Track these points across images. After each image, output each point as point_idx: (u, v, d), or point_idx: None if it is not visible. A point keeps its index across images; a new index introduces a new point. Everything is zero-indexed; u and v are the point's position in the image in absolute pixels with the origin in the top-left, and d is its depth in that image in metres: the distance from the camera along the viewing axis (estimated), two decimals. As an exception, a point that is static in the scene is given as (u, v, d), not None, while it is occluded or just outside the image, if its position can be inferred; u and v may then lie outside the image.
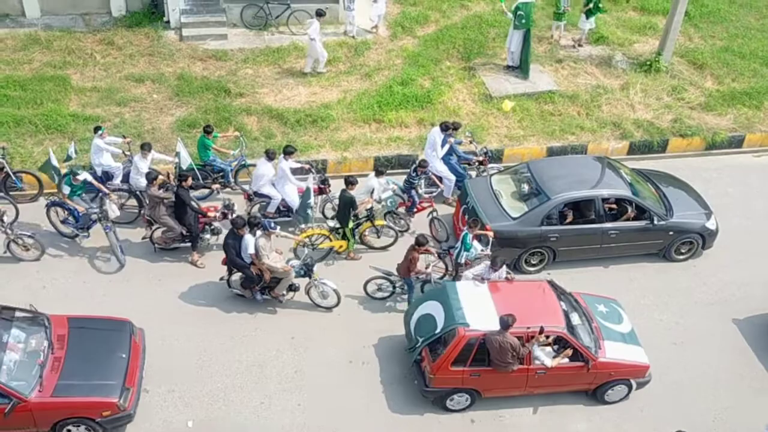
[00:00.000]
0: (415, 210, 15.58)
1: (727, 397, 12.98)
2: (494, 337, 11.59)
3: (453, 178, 16.08)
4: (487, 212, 14.50)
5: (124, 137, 15.71)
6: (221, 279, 13.82)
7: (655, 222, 14.76)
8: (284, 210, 15.27)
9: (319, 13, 18.82)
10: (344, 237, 14.66)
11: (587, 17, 20.34)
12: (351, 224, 14.49)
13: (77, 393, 11.26)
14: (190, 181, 14.17)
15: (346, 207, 14.23)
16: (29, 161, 16.06)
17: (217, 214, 14.45)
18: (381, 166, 15.72)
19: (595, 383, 12.47)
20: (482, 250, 13.76)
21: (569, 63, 20.19)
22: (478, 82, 19.34)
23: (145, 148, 14.84)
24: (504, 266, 13.03)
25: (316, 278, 13.51)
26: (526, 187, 14.98)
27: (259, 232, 13.10)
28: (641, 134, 18.33)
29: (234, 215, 14.17)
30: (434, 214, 15.42)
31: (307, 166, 15.72)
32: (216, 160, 15.79)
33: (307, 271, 13.42)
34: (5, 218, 13.93)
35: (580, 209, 14.78)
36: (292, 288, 13.69)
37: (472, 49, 20.33)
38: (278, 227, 13.45)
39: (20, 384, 11.03)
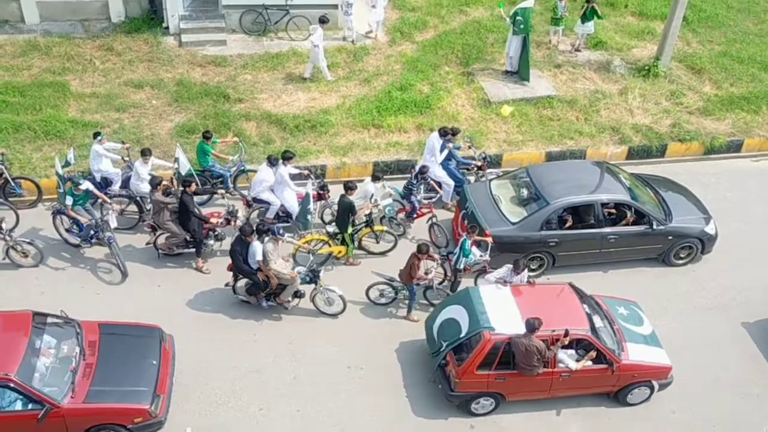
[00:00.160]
0: (414, 216, 15.58)
1: (729, 402, 12.97)
2: (520, 340, 11.63)
3: (452, 183, 16.09)
4: (487, 217, 14.51)
5: (123, 143, 15.72)
6: (226, 285, 13.81)
7: (655, 227, 14.76)
8: (283, 216, 15.27)
9: (323, 20, 18.86)
10: (343, 242, 14.65)
11: (582, 22, 20.39)
12: (350, 230, 14.49)
13: (109, 399, 11.27)
14: (194, 187, 14.17)
15: (345, 212, 14.23)
16: (28, 167, 16.06)
17: (221, 220, 14.45)
18: (378, 172, 15.73)
19: (618, 385, 12.51)
20: (481, 256, 13.77)
21: (568, 68, 20.22)
22: (476, 87, 19.37)
23: (146, 153, 14.84)
24: (526, 269, 13.07)
25: (322, 285, 13.50)
26: (525, 192, 14.98)
27: (266, 238, 13.10)
28: (640, 139, 18.36)
29: (238, 222, 14.19)
30: (434, 219, 15.42)
31: (305, 172, 15.72)
32: (215, 165, 15.80)
33: (313, 277, 13.41)
34: (4, 225, 13.91)
35: (579, 214, 14.78)
36: (298, 294, 13.68)
37: (470, 54, 20.36)
38: (286, 234, 13.47)
39: (53, 390, 11.03)
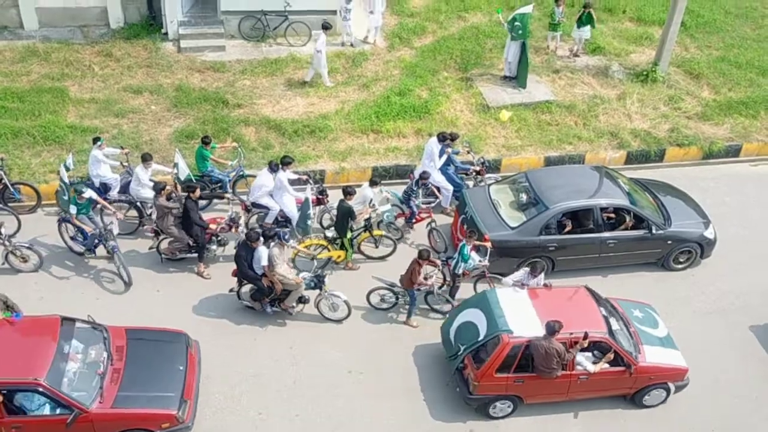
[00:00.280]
0: (414, 221, 15.58)
1: (728, 405, 12.96)
2: (540, 343, 11.66)
3: (450, 188, 16.10)
4: (486, 222, 14.52)
5: (122, 148, 15.74)
6: (231, 290, 13.78)
7: (654, 231, 14.77)
8: (282, 221, 15.26)
9: (325, 26, 18.92)
10: (342, 247, 14.65)
11: (578, 26, 20.44)
12: (349, 234, 14.49)
13: (137, 404, 11.26)
14: (198, 193, 14.16)
15: (345, 217, 14.23)
16: (27, 173, 16.06)
17: (222, 226, 14.44)
18: (376, 177, 15.72)
19: (635, 388, 12.54)
20: (480, 261, 13.76)
21: (566, 73, 20.26)
22: (475, 92, 19.39)
23: (147, 158, 14.83)
24: (543, 273, 13.09)
25: (327, 290, 13.48)
26: (524, 197, 14.99)
27: (272, 243, 13.09)
28: (638, 144, 18.38)
29: (239, 228, 14.19)
30: (433, 224, 15.42)
31: (304, 177, 15.73)
32: (214, 170, 15.80)
33: (318, 283, 13.39)
34: (3, 230, 13.90)
35: (578, 219, 14.79)
36: (302, 300, 13.66)
37: (469, 59, 20.39)
38: (292, 240, 13.44)
39: (81, 395, 11.03)
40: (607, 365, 12.09)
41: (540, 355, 11.68)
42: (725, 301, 14.79)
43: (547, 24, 21.01)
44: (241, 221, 14.49)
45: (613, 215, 14.97)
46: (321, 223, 15.57)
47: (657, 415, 12.76)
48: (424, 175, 15.31)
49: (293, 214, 14.98)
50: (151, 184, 14.89)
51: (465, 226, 14.68)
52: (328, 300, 13.62)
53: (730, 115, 19.31)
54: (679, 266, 15.40)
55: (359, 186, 15.31)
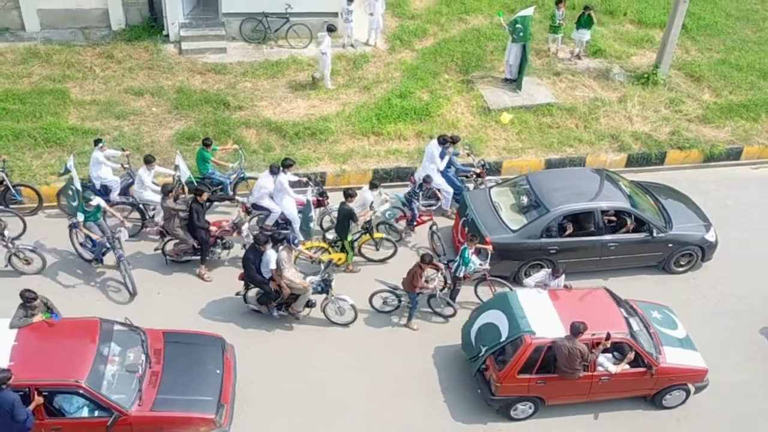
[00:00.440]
0: (415, 223, 15.58)
1: (730, 408, 12.95)
2: (564, 343, 11.69)
3: (451, 190, 16.10)
4: (487, 224, 14.52)
5: (123, 150, 15.74)
6: (237, 294, 13.77)
7: (655, 234, 14.76)
8: (282, 223, 15.26)
9: (330, 29, 18.93)
10: (343, 249, 14.65)
11: (578, 28, 20.45)
12: (350, 237, 14.49)
13: (175, 408, 11.23)
14: (205, 196, 14.16)
15: (346, 219, 14.23)
16: (28, 174, 16.06)
17: (226, 229, 14.43)
18: (375, 180, 15.70)
19: (655, 389, 12.58)
20: (481, 264, 13.76)
21: (567, 76, 20.26)
22: (476, 94, 19.40)
23: (150, 161, 14.83)
24: (563, 274, 13.13)
25: (333, 294, 13.48)
26: (525, 200, 14.99)
27: (280, 247, 13.08)
28: (639, 146, 18.38)
29: (243, 232, 14.20)
30: (434, 228, 15.43)
31: (305, 179, 15.73)
32: (215, 173, 15.81)
33: (325, 287, 13.39)
34: (6, 232, 13.90)
35: (579, 221, 14.78)
36: (309, 304, 13.66)
37: (470, 62, 20.40)
38: (300, 245, 13.45)
39: (121, 397, 11.02)
40: (627, 366, 12.14)
41: (563, 356, 11.72)
42: (726, 304, 14.79)
43: (548, 26, 21.01)
44: (245, 226, 14.47)
45: (614, 218, 14.96)
46: (321, 226, 15.57)
47: (659, 418, 12.75)
48: (427, 179, 15.32)
49: (294, 216, 14.98)
50: (154, 186, 14.91)
51: (466, 229, 14.68)
52: (335, 304, 13.61)
53: (731, 118, 19.31)
54: (680, 269, 15.40)
55: (360, 188, 15.32)
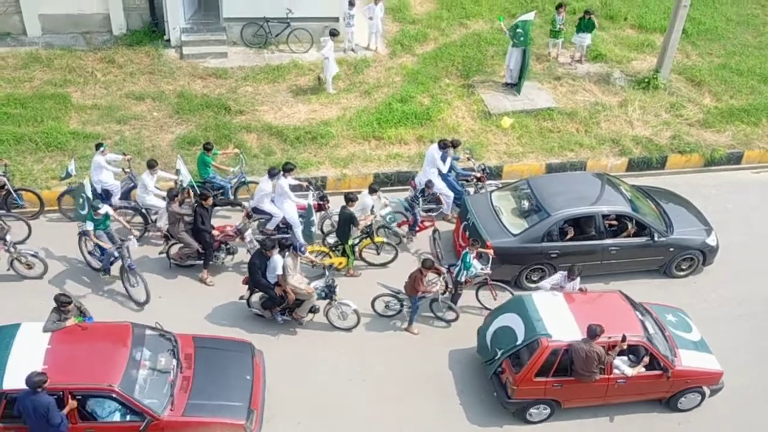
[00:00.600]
0: (417, 229, 15.58)
1: (732, 411, 12.93)
2: (581, 346, 11.71)
3: (451, 194, 16.10)
4: (488, 229, 14.51)
5: (124, 154, 15.75)
6: (241, 298, 13.76)
7: (656, 238, 14.76)
8: (283, 227, 15.26)
9: (333, 33, 18.98)
10: (344, 254, 14.64)
11: (578, 32, 20.49)
12: (351, 241, 14.49)
13: (207, 413, 11.19)
14: (210, 201, 14.17)
15: (346, 224, 14.23)
16: (29, 179, 16.08)
17: (230, 234, 14.43)
18: (374, 184, 15.68)
19: (671, 391, 12.60)
20: (482, 269, 13.76)
21: (568, 80, 20.28)
22: (477, 99, 19.42)
23: (153, 165, 14.84)
24: (579, 276, 13.14)
25: (337, 299, 13.47)
26: (526, 204, 14.99)
27: (287, 253, 13.11)
28: (640, 151, 18.39)
29: (246, 237, 14.21)
30: (436, 235, 15.42)
31: (305, 183, 15.74)
32: (216, 177, 15.82)
33: (329, 292, 13.39)
34: (8, 237, 13.90)
35: (580, 226, 14.77)
36: (313, 309, 13.66)
37: (470, 66, 20.43)
38: (307, 251, 13.51)
39: (153, 402, 10.99)
40: (643, 369, 12.15)
41: (580, 359, 11.73)
42: (727, 308, 14.77)
43: (548, 31, 21.04)
44: (249, 232, 14.47)
45: (615, 222, 14.96)
46: (322, 230, 15.57)
47: (662, 423, 12.73)
48: (429, 184, 15.33)
49: (294, 220, 14.98)
50: (157, 191, 14.91)
51: (467, 233, 14.68)
52: (338, 309, 13.60)
53: (731, 123, 19.33)
54: (681, 273, 15.39)
55: (360, 193, 15.32)
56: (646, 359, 12.09)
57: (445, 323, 14.13)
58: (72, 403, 10.62)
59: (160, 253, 14.64)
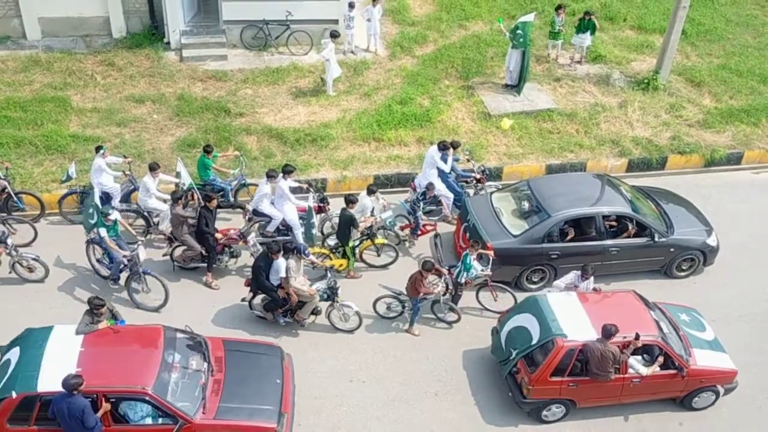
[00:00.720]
0: (418, 233, 15.56)
1: (733, 412, 12.93)
2: (596, 346, 11.73)
3: (451, 196, 16.11)
4: (488, 230, 14.51)
5: (124, 157, 15.76)
6: (243, 300, 13.76)
7: (656, 239, 14.76)
8: (283, 229, 15.26)
9: (334, 35, 19.01)
10: (344, 255, 14.64)
11: (577, 33, 20.51)
12: (351, 243, 14.49)
13: (238, 417, 11.15)
14: (214, 203, 14.17)
15: (347, 225, 14.23)
16: (29, 182, 16.08)
17: (233, 237, 14.42)
18: (372, 185, 15.66)
19: (685, 391, 12.62)
20: (482, 270, 13.75)
21: (567, 81, 20.29)
22: (476, 100, 19.43)
23: (155, 168, 14.82)
24: (593, 276, 13.15)
25: (339, 301, 13.47)
26: (526, 205, 14.99)
27: (290, 255, 13.11)
28: (640, 152, 18.40)
29: (249, 241, 14.23)
30: (437, 240, 15.43)
31: (305, 186, 15.73)
32: (216, 179, 15.82)
33: (331, 294, 13.40)
34: (9, 240, 13.90)
35: (580, 226, 14.77)
36: (314, 311, 13.66)
37: (470, 68, 20.44)
38: (311, 255, 13.53)
39: (185, 405, 10.97)
40: (658, 368, 12.17)
41: (595, 358, 11.74)
42: (728, 309, 14.76)
43: (548, 33, 21.05)
44: (252, 236, 14.46)
45: (615, 223, 14.96)
46: (322, 232, 15.57)
47: (664, 423, 12.72)
48: (430, 187, 15.33)
49: (295, 222, 14.99)
50: (159, 193, 14.90)
51: (468, 235, 14.68)
52: (340, 310, 13.61)
53: (731, 123, 19.33)
54: (682, 274, 15.39)
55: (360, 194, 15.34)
56: (661, 359, 12.12)
57: (447, 324, 14.12)
58: (106, 406, 10.63)
59: (164, 255, 14.64)
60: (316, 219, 14.84)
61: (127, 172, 15.60)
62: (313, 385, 12.83)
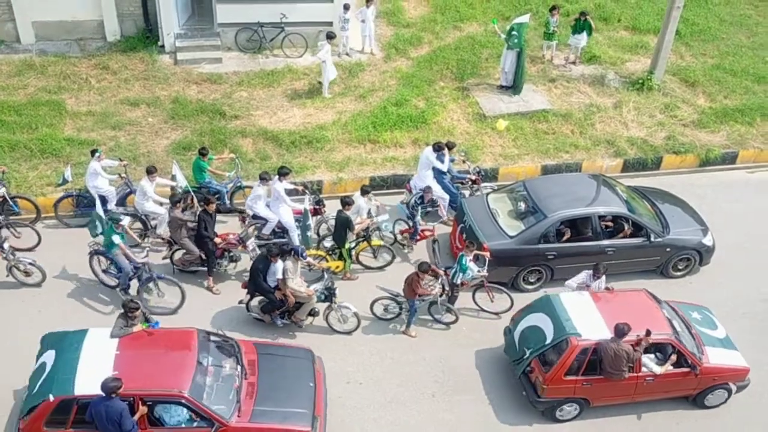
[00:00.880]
0: (417, 238, 15.53)
1: (733, 412, 12.94)
2: (609, 345, 11.77)
3: (446, 197, 16.10)
4: (484, 231, 14.52)
5: (120, 160, 15.73)
6: (240, 302, 13.74)
7: (652, 239, 14.78)
8: (279, 231, 15.24)
9: (330, 36, 19.02)
10: (341, 257, 14.63)
11: (573, 33, 20.54)
12: (347, 245, 14.48)
13: (273, 420, 11.14)
14: (213, 206, 14.15)
15: (343, 227, 14.22)
16: (24, 186, 16.04)
17: (232, 242, 14.39)
18: (366, 186, 15.65)
19: (698, 389, 12.67)
20: (479, 271, 13.75)
21: (562, 82, 20.32)
22: (471, 101, 19.44)
23: (152, 171, 14.75)
24: (605, 275, 13.17)
25: (337, 302, 13.47)
26: (522, 206, 15.00)
27: (287, 257, 13.10)
28: (635, 152, 18.42)
29: (249, 245, 14.21)
30: (435, 245, 15.43)
31: (300, 188, 15.71)
32: (212, 182, 15.80)
33: (328, 295, 13.39)
34: (6, 245, 13.86)
35: (577, 227, 14.78)
36: (312, 313, 13.64)
37: (465, 69, 20.45)
38: (308, 256, 13.53)
39: (221, 408, 10.97)
40: (671, 367, 12.20)
41: (609, 357, 11.78)
42: (725, 308, 14.72)
43: (542, 33, 21.08)
44: (251, 240, 14.43)
45: (611, 223, 14.98)
46: (318, 234, 15.55)
47: (662, 422, 12.73)
48: (427, 190, 15.33)
49: (290, 224, 14.97)
50: (156, 197, 14.86)
51: (464, 236, 14.68)
52: (338, 312, 13.60)
53: (726, 123, 19.37)
54: (678, 273, 15.41)
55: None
56: (674, 357, 12.16)
57: (444, 325, 14.11)
58: (143, 409, 10.64)
59: (163, 258, 14.60)
60: (312, 221, 14.83)
61: (123, 175, 15.56)
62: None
